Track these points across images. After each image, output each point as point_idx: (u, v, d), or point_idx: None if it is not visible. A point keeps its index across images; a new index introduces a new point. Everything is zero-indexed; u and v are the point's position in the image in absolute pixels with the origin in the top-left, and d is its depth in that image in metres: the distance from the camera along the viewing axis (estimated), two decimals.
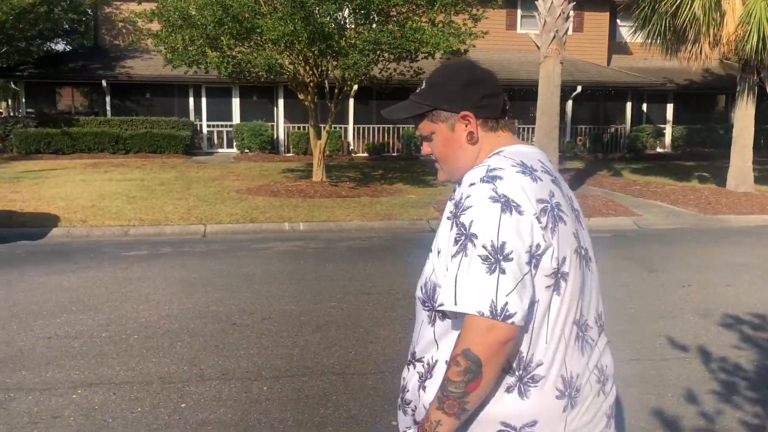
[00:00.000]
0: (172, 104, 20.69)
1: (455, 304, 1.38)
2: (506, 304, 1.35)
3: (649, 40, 13.20)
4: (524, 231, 1.40)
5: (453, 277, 1.40)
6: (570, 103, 20.99)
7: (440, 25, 12.35)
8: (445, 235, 1.47)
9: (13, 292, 5.93)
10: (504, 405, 1.46)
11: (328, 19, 11.14)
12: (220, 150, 20.77)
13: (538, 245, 1.42)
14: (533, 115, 21.31)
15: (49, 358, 4.35)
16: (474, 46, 12.77)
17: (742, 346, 4.68)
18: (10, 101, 37.12)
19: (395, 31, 11.74)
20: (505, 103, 1.60)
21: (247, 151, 19.76)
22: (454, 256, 1.41)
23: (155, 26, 12.64)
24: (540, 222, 1.43)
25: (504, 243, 1.38)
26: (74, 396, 3.79)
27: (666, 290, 6.18)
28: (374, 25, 12.03)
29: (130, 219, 9.59)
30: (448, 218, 1.47)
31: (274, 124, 20.71)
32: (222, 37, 11.13)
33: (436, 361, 1.51)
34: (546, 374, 1.47)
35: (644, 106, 23.42)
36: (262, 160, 18.54)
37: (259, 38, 11.63)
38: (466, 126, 1.56)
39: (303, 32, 10.65)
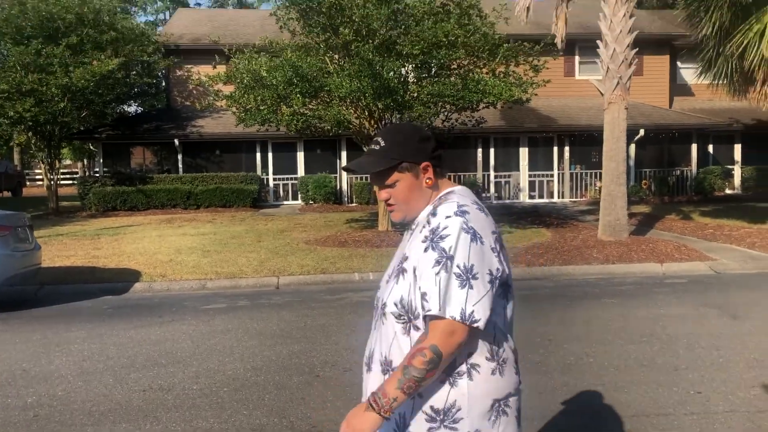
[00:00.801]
0: (240, 159, 21.44)
1: (439, 310, 1.74)
2: (472, 312, 1.75)
3: (716, 82, 13.06)
4: (486, 257, 1.81)
5: (437, 289, 1.76)
6: (633, 146, 20.76)
7: (501, 75, 12.55)
8: (421, 256, 1.81)
9: (105, 346, 6.21)
10: (494, 384, 1.87)
11: (392, 74, 11.46)
12: (285, 202, 21.30)
13: (497, 269, 1.84)
14: (594, 161, 21.26)
15: (146, 411, 4.53)
16: (536, 95, 12.89)
17: None
18: (86, 161, 39.09)
19: (458, 83, 11.98)
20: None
21: (311, 202, 20.21)
22: (437, 273, 1.77)
23: (225, 87, 13.27)
24: (495, 251, 1.85)
25: (473, 265, 1.78)
26: None
27: (754, 338, 6.00)
28: (437, 79, 12.31)
29: (207, 272, 9.92)
30: (423, 242, 1.82)
31: (337, 175, 21.17)
32: (292, 96, 11.59)
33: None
34: (508, 357, 1.92)
35: (710, 147, 22.95)
36: (327, 210, 18.91)
37: (326, 95, 12.04)
38: (425, 174, 1.95)
39: (369, 88, 11.00)
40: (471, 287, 1.75)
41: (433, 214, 1.88)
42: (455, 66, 12.65)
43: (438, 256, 1.78)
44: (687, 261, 10.32)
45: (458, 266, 1.76)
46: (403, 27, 11.67)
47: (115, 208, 19.08)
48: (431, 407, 1.84)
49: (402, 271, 1.87)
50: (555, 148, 21.86)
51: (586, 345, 5.88)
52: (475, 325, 1.75)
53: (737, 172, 22.67)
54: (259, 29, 21.37)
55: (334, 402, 4.60)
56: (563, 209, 19.01)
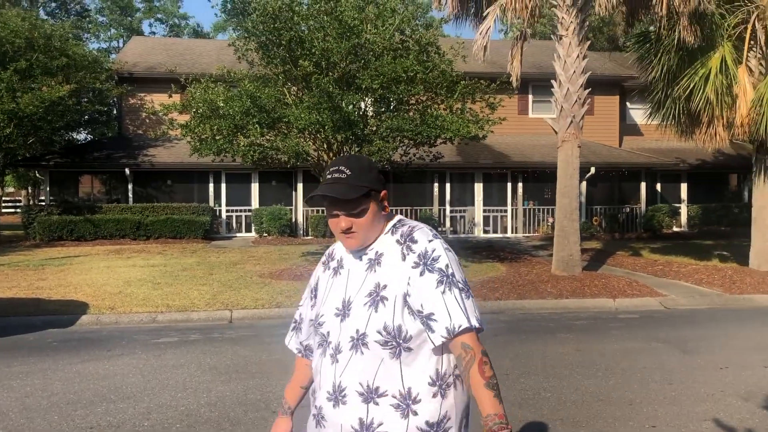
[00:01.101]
0: (193, 190, 21.12)
1: (468, 322, 1.83)
2: (478, 318, 1.89)
3: (664, 123, 13.51)
4: (461, 270, 1.96)
5: (458, 304, 1.85)
6: (584, 183, 21.23)
7: (458, 112, 12.74)
8: (418, 280, 1.87)
9: (50, 382, 5.95)
10: (463, 394, 1.95)
11: (351, 108, 11.51)
12: (239, 234, 21.02)
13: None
14: (547, 196, 21.65)
15: None
16: (492, 132, 13.11)
17: None
18: (30, 188, 37.99)
19: (416, 118, 12.11)
20: None
21: (266, 234, 19.97)
22: (447, 292, 1.85)
23: (180, 116, 13.11)
24: None
25: (464, 279, 1.93)
26: None
27: (704, 373, 6.12)
28: (396, 113, 12.42)
29: (158, 305, 9.66)
30: (415, 267, 1.88)
31: (293, 207, 21.03)
32: (249, 126, 11.51)
33: (409, 387, 1.86)
34: None
35: (658, 186, 23.65)
36: (282, 243, 18.72)
37: (285, 126, 12.01)
38: (383, 201, 1.99)
39: (329, 121, 11.01)
40: (471, 297, 1.91)
41: (412, 240, 1.94)
42: (414, 101, 12.81)
43: (438, 276, 1.87)
44: (638, 296, 10.52)
45: (459, 281, 1.90)
46: (362, 61, 11.76)
47: (61, 238, 18.51)
48: (426, 422, 1.87)
49: (382, 299, 1.89)
50: (509, 184, 22.21)
51: (543, 379, 5.90)
52: (482, 328, 1.90)
53: (684, 210, 23.39)
54: (215, 59, 21.30)
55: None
56: (517, 244, 19.25)
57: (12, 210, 32.93)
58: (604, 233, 21.45)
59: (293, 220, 20.88)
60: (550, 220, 20.72)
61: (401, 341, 1.86)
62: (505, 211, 22.29)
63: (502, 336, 7.95)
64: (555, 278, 11.82)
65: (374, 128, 12.20)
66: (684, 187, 23.57)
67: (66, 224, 18.55)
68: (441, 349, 1.89)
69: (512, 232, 22.11)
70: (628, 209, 22.53)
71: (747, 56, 12.34)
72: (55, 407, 5.18)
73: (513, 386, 5.67)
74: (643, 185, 22.65)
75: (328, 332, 1.96)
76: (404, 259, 1.91)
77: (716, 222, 22.40)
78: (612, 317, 9.31)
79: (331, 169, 1.93)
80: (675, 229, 22.77)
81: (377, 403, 1.86)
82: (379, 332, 1.85)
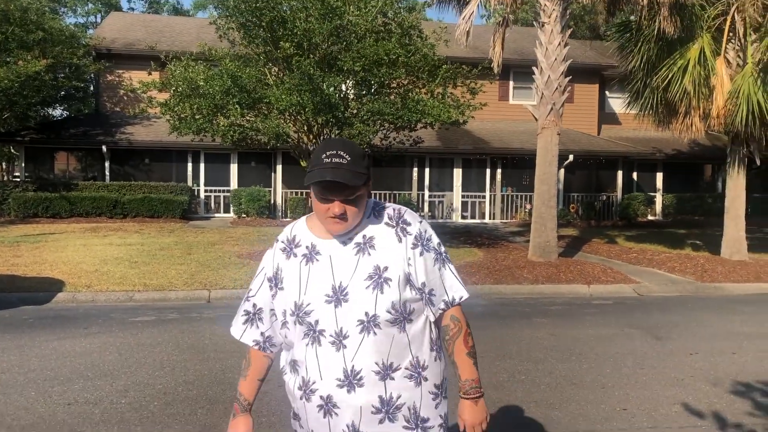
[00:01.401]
0: (171, 169, 20.95)
1: (462, 294, 2.07)
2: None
3: (642, 113, 13.67)
4: None
5: (457, 279, 2.07)
6: (562, 171, 21.44)
7: (439, 96, 12.76)
8: (418, 259, 1.98)
9: (27, 358, 5.92)
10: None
11: (332, 90, 11.48)
12: (217, 215, 20.92)
13: None
14: (525, 183, 21.83)
15: (71, 425, 4.34)
16: (473, 117, 13.16)
17: (756, 413, 4.74)
18: (4, 164, 37.36)
19: (397, 102, 12.11)
20: None
21: (244, 216, 19.90)
22: (446, 266, 2.05)
23: (159, 94, 12.97)
24: None
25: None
26: None
27: (675, 358, 6.26)
28: (377, 97, 12.41)
29: (135, 284, 9.62)
30: (414, 248, 1.97)
31: (272, 189, 20.96)
32: (229, 106, 11.44)
33: (417, 356, 1.99)
34: None
35: (635, 175, 23.94)
36: (260, 224, 18.67)
37: (265, 107, 11.94)
38: (368, 188, 2.01)
39: (309, 103, 10.98)
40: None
41: (406, 222, 2.02)
42: (395, 85, 12.80)
43: (435, 255, 2.02)
44: (613, 283, 10.70)
45: (448, 257, 2.08)
46: (344, 43, 11.73)
47: (36, 215, 18.28)
48: (434, 385, 2.04)
49: (386, 280, 1.94)
50: (488, 170, 22.33)
51: (518, 362, 6.00)
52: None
53: (659, 199, 23.73)
54: (195, 37, 21.03)
55: (269, 417, 4.53)
56: (494, 230, 19.40)
57: None
58: (580, 220, 21.69)
59: (272, 201, 20.82)
60: (528, 206, 20.90)
61: (406, 315, 1.96)
62: (484, 197, 22.43)
63: (478, 320, 8.03)
64: (531, 264, 11.96)
65: (355, 111, 12.20)
66: (660, 176, 23.89)
67: (41, 201, 18.31)
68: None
69: (490, 218, 22.27)
70: (604, 197, 22.79)
71: (725, 48, 12.50)
72: (33, 383, 5.17)
73: (488, 369, 5.76)
74: (619, 174, 22.91)
75: (317, 321, 1.95)
76: (401, 240, 1.98)
77: (690, 211, 22.76)
78: (586, 303, 9.47)
79: (327, 153, 1.89)
80: (650, 217, 23.10)
81: (393, 378, 1.95)
82: (389, 311, 1.92)
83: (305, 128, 12.58)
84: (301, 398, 2.01)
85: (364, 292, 1.93)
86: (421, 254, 1.99)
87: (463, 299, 2.07)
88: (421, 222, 2.05)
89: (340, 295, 1.94)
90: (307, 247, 2.02)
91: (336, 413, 1.94)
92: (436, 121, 12.22)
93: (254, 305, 2.11)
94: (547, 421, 4.53)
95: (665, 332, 7.40)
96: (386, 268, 1.94)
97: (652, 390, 5.27)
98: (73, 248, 12.92)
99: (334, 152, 1.90)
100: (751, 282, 11.05)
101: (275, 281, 2.05)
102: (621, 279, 11.02)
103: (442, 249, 2.06)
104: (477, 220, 21.99)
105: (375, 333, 1.93)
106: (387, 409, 1.95)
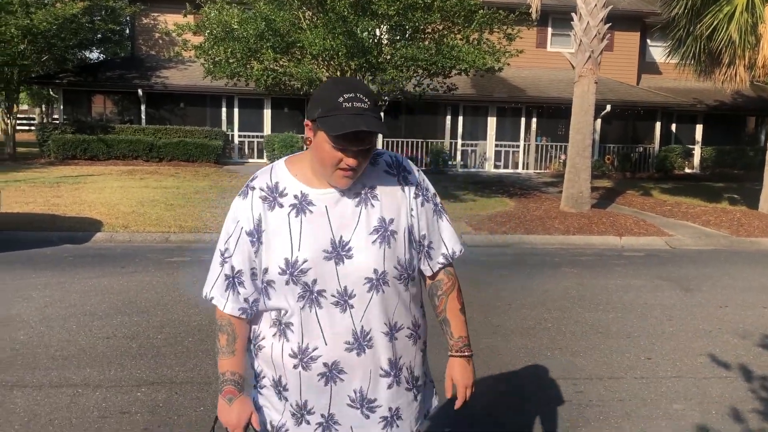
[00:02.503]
0: (205, 114, 21.09)
1: (459, 247, 1.94)
2: None
3: (684, 62, 13.28)
4: None
5: (452, 231, 1.93)
6: (599, 121, 21.03)
7: (474, 42, 12.54)
8: (420, 210, 1.85)
9: (68, 294, 6.16)
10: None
11: (366, 34, 11.35)
12: (250, 160, 21.09)
13: None
14: (560, 133, 21.50)
15: (110, 357, 4.54)
16: (508, 64, 12.94)
17: None
18: (44, 107, 37.98)
19: (431, 47, 11.94)
20: None
21: None
22: (438, 221, 1.89)
23: (193, 37, 12.97)
24: None
25: None
26: (138, 393, 3.97)
27: (703, 310, 6.25)
28: (411, 42, 12.25)
29: (170, 226, 9.83)
30: (416, 198, 1.84)
31: (305, 135, 20.95)
32: (263, 50, 11.41)
33: (414, 315, 1.87)
34: None
35: (673, 127, 23.39)
36: None
37: (298, 52, 11.89)
38: None
39: (343, 47, 10.89)
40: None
41: (406, 170, 1.86)
42: (430, 30, 12.59)
43: (433, 205, 1.89)
44: (645, 235, 10.60)
45: (444, 208, 1.95)
46: None
47: (74, 157, 18.66)
48: (423, 342, 1.95)
49: (392, 233, 1.78)
50: (523, 119, 22.02)
51: (544, 311, 6.05)
52: None
53: (697, 152, 23.20)
54: None
55: None
56: (527, 180, 19.25)
57: (26, 128, 33.00)
58: (615, 172, 21.38)
59: (305, 148, 20.78)
60: (563, 157, 20.65)
61: (410, 272, 1.83)
62: (518, 146, 22.18)
63: (506, 269, 8.10)
64: (563, 215, 11.89)
65: (388, 57, 12.06)
66: (699, 128, 23.31)
67: (80, 143, 18.67)
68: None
69: (523, 168, 22.07)
70: (641, 149, 22.37)
71: None
72: (74, 317, 5.39)
73: (514, 316, 5.83)
74: (657, 125, 22.42)
75: (315, 280, 1.72)
76: (403, 190, 1.83)
77: (730, 165, 22.24)
78: (617, 255, 9.43)
79: (345, 96, 1.65)
80: (687, 170, 22.66)
81: (396, 338, 1.82)
82: (396, 267, 1.78)
83: (338, 73, 12.51)
84: (295, 367, 1.77)
85: (371, 248, 1.75)
86: (422, 204, 1.85)
87: (462, 252, 1.94)
88: (418, 170, 1.91)
89: (341, 251, 1.73)
90: (295, 197, 1.77)
91: (342, 379, 1.77)
92: (471, 67, 12.04)
93: (232, 267, 1.79)
94: (571, 367, 4.59)
95: (696, 285, 7.36)
96: (392, 221, 1.78)
97: (678, 340, 5.28)
98: (110, 190, 13.21)
99: (353, 95, 1.66)
100: None
101: (257, 235, 1.76)
102: (654, 231, 10.91)
103: (438, 199, 1.92)
104: (510, 170, 21.82)
105: (383, 291, 1.76)
106: (394, 372, 1.81)
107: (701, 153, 23.08)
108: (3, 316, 5.41)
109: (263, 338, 1.83)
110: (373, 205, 1.77)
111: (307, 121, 1.74)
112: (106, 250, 8.58)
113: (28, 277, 6.81)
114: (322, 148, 1.68)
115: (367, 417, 1.81)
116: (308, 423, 1.81)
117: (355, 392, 1.78)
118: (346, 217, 1.75)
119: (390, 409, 1.82)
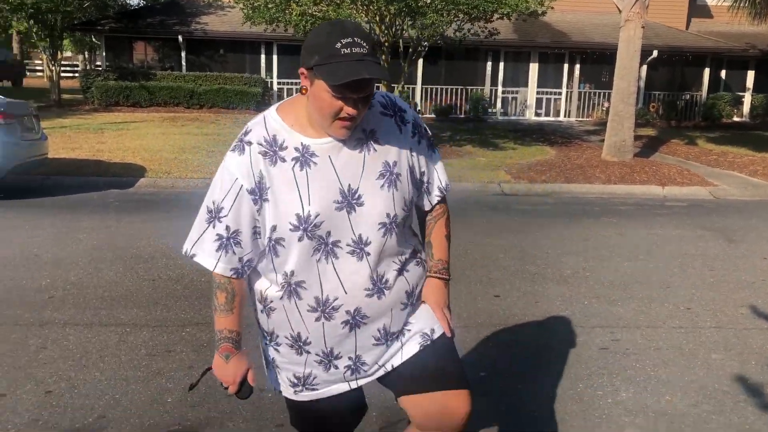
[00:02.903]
0: (244, 60, 21.07)
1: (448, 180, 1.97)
2: None
3: (737, 4, 12.73)
4: None
5: (443, 166, 1.95)
6: (645, 67, 20.41)
7: None
8: (418, 148, 1.85)
9: (114, 237, 6.35)
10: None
11: None
12: None
13: None
14: (604, 80, 20.95)
15: (155, 298, 4.70)
16: (552, 8, 12.58)
17: None
18: (87, 53, 38.38)
19: None
20: None
21: None
22: (432, 153, 1.90)
23: None
24: None
25: None
26: (183, 333, 4.11)
27: (747, 261, 6.15)
28: None
29: (212, 173, 9.87)
30: (414, 137, 1.83)
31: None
32: None
33: (414, 244, 1.92)
34: None
35: (723, 73, 22.58)
36: None
37: None
38: None
39: None
40: None
41: (401, 110, 1.84)
42: None
43: (427, 142, 1.90)
44: (688, 185, 10.40)
45: (434, 141, 1.96)
46: None
47: (117, 104, 18.92)
48: (424, 261, 2.00)
49: (397, 176, 1.77)
50: (565, 66, 21.49)
51: (583, 260, 6.03)
52: None
53: (747, 99, 22.41)
54: None
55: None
56: (569, 128, 18.91)
57: (70, 74, 33.49)
58: (660, 120, 20.84)
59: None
60: (606, 104, 20.17)
61: (411, 210, 1.87)
62: (560, 93, 21.73)
63: (546, 218, 8.05)
64: (605, 163, 11.70)
65: (428, 0, 11.81)
66: (751, 74, 22.45)
67: (122, 90, 18.90)
68: None
69: (565, 116, 21.66)
70: (687, 96, 21.71)
71: None
72: (120, 260, 5.57)
73: (553, 264, 5.82)
74: (706, 71, 21.67)
75: (329, 232, 1.71)
76: (401, 131, 1.81)
77: None
78: (659, 205, 9.28)
79: (342, 41, 1.55)
80: (736, 119, 21.94)
81: (408, 270, 1.88)
82: (403, 209, 1.78)
83: (377, 18, 12.33)
84: (317, 320, 1.77)
85: (380, 192, 1.74)
86: (419, 143, 1.85)
87: (449, 187, 1.97)
88: (410, 108, 1.88)
89: (351, 200, 1.71)
90: (297, 149, 1.71)
91: (365, 323, 1.80)
92: (513, 11, 11.75)
93: (227, 227, 1.73)
94: (608, 315, 4.59)
95: (740, 236, 7.22)
96: (395, 163, 1.77)
97: (719, 291, 5.23)
98: (152, 136, 13.41)
99: (351, 40, 1.56)
100: None
101: (259, 193, 1.71)
102: (698, 181, 10.69)
103: (430, 133, 1.94)
104: (551, 118, 21.43)
105: (394, 233, 1.77)
106: (411, 300, 1.88)
107: (751, 100, 22.28)
108: (55, 257, 5.61)
109: (271, 301, 1.82)
110: (375, 150, 1.75)
111: (302, 69, 1.63)
112: (150, 195, 8.78)
113: (77, 220, 7.02)
114: (321, 98, 1.61)
115: (389, 347, 1.87)
116: (336, 368, 1.85)
117: (378, 330, 1.82)
118: (351, 164, 1.72)
119: (405, 324, 1.90)
